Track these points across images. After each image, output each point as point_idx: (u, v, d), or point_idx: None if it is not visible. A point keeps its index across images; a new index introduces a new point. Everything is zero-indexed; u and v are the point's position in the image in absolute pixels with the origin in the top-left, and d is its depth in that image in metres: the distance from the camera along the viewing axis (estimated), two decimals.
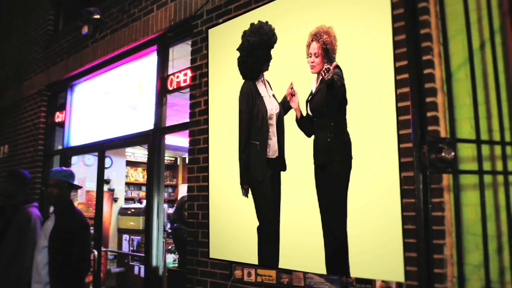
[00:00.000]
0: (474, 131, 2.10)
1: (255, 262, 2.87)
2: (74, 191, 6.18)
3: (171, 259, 5.49)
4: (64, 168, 3.57)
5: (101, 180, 5.02)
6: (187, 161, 6.00)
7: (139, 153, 10.72)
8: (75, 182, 3.50)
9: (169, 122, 4.25)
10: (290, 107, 2.84)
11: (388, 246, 2.27)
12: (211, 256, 3.16)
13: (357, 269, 2.40)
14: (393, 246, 2.24)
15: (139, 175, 11.01)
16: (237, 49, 3.11)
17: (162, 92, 4.24)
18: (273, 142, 2.91)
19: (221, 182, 3.17)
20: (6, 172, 4.43)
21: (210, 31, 3.39)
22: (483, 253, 1.72)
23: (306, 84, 2.75)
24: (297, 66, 2.79)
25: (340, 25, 2.58)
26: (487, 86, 2.16)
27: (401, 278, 2.20)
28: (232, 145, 3.09)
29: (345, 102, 2.54)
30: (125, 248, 6.63)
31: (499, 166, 2.07)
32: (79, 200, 6.94)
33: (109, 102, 5.08)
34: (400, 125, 2.31)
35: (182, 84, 4.02)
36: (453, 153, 1.54)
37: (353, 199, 2.45)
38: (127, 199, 9.30)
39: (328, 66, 2.59)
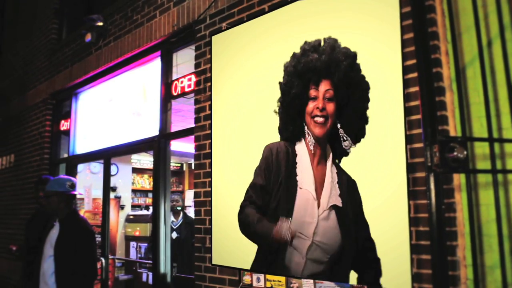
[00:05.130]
0: (483, 129, 2.08)
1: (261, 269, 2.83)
2: (79, 198, 6.18)
3: None
4: (58, 176, 3.54)
5: (107, 188, 5.00)
6: (193, 167, 5.97)
7: (145, 160, 10.70)
8: (77, 189, 3.46)
9: (174, 128, 4.23)
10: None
11: (396, 251, 2.22)
12: (213, 262, 3.12)
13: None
14: (401, 250, 2.19)
15: (145, 182, 10.99)
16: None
17: (167, 97, 4.22)
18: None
19: (224, 189, 3.13)
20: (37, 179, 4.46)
21: (214, 37, 3.37)
22: (497, 254, 1.68)
23: None
24: None
25: (346, 20, 2.55)
26: (495, 84, 2.12)
27: (407, 285, 2.15)
28: (235, 153, 3.05)
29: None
30: (133, 255, 6.59)
31: (510, 165, 2.03)
32: (86, 208, 6.92)
33: (114, 109, 5.07)
34: (408, 125, 2.27)
35: (186, 89, 4.00)
36: (465, 152, 1.50)
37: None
38: (133, 206, 9.27)
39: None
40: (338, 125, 2.41)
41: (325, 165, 2.47)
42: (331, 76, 2.42)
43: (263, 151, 2.71)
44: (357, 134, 2.37)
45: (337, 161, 2.46)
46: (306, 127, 2.54)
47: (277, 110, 2.72)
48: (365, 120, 2.34)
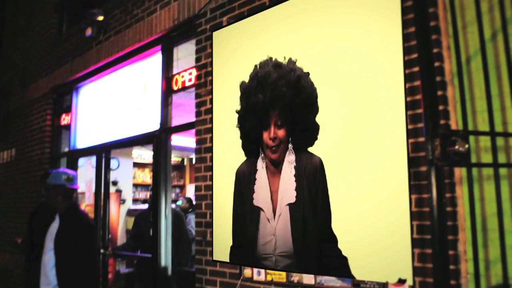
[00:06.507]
0: (486, 123, 2.07)
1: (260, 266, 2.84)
2: (80, 192, 6.20)
3: None
4: (57, 170, 3.55)
5: (100, 182, 4.90)
6: (193, 162, 5.95)
7: (146, 154, 10.75)
8: (77, 183, 3.47)
9: (175, 123, 4.23)
10: None
11: (397, 245, 2.22)
12: (214, 258, 3.11)
13: (366, 271, 2.36)
14: (403, 245, 2.19)
15: (147, 176, 11.04)
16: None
17: (168, 92, 4.21)
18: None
19: (225, 182, 3.13)
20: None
21: (215, 33, 3.35)
22: (499, 248, 1.68)
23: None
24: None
25: (346, 15, 2.54)
26: (500, 78, 2.11)
27: (409, 279, 2.15)
28: (236, 147, 3.05)
29: None
30: None
31: None
32: (87, 201, 6.94)
33: (114, 104, 5.06)
34: (413, 119, 2.27)
35: (187, 84, 3.99)
36: (467, 146, 1.50)
37: (361, 200, 2.39)
38: (135, 200, 9.31)
39: None
40: (290, 139, 2.64)
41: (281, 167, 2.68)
42: (277, 108, 2.67)
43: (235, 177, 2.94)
44: (308, 142, 2.57)
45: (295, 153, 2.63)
46: (262, 151, 2.78)
47: (238, 126, 2.96)
48: (315, 130, 2.54)
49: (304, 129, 2.58)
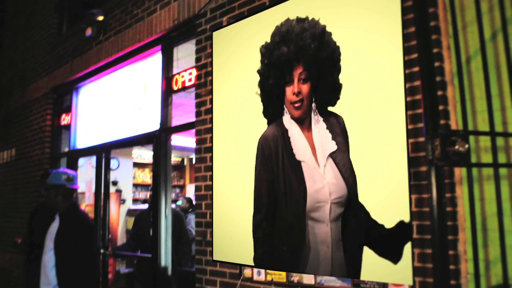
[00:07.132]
0: (486, 123, 2.07)
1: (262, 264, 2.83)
2: (80, 192, 6.19)
3: None
4: (57, 170, 3.56)
5: (107, 182, 4.94)
6: (193, 162, 5.94)
7: (146, 154, 10.75)
8: (77, 183, 3.47)
9: (175, 123, 4.23)
10: None
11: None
12: (215, 258, 3.11)
13: (366, 271, 2.36)
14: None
15: (147, 176, 11.04)
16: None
17: (168, 92, 4.21)
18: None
19: (225, 182, 3.13)
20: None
21: (215, 33, 3.35)
22: (499, 248, 1.68)
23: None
24: None
25: (346, 15, 2.54)
26: (500, 78, 2.11)
27: (409, 279, 2.15)
28: (237, 147, 3.05)
29: None
30: None
31: None
32: (87, 201, 6.94)
33: (114, 104, 5.06)
34: (414, 119, 2.27)
35: (187, 84, 3.99)
36: (467, 146, 1.50)
37: (361, 200, 2.39)
38: (135, 200, 9.30)
39: None
40: (313, 98, 2.58)
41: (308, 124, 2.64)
42: (302, 61, 2.60)
43: (258, 144, 2.82)
44: (331, 101, 2.53)
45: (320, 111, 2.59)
46: (286, 108, 2.70)
47: (259, 93, 2.88)
48: (338, 88, 2.50)
49: (327, 86, 2.52)
